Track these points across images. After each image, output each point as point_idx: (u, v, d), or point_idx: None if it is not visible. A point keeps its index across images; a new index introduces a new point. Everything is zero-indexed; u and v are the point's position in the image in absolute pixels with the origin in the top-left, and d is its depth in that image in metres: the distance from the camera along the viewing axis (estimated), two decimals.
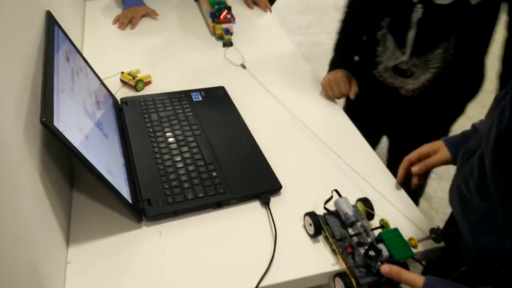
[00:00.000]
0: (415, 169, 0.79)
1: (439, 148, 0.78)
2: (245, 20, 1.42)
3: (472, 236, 0.61)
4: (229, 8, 1.29)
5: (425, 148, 0.80)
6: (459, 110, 1.11)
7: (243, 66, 1.16)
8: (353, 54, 1.13)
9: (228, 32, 1.28)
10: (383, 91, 1.07)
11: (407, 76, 1.02)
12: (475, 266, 0.63)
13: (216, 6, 1.28)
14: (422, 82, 1.00)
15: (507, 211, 0.54)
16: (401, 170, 0.82)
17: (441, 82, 0.99)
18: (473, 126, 0.76)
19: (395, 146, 1.23)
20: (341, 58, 1.13)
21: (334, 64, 1.12)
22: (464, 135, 0.77)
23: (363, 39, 1.10)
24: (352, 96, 1.06)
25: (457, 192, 0.65)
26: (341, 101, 1.15)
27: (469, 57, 0.98)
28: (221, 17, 1.28)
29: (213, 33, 1.31)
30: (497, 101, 0.59)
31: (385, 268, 0.60)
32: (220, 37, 1.30)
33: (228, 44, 1.28)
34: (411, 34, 0.95)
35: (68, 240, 0.70)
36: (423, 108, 1.06)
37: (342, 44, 1.14)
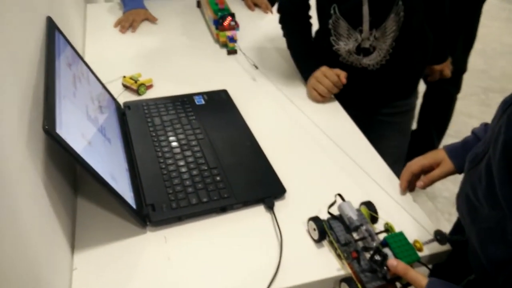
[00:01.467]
0: (420, 184, 0.79)
1: (441, 159, 0.77)
2: (247, 22, 1.41)
3: (481, 245, 0.60)
4: (232, 15, 1.26)
5: (427, 160, 0.78)
6: (419, 71, 1.20)
7: (255, 67, 1.16)
8: (315, 51, 1.15)
9: (232, 39, 1.25)
10: (353, 73, 1.09)
11: (370, 52, 1.07)
12: (484, 275, 0.62)
13: (220, 13, 1.26)
14: (385, 51, 1.06)
15: None
16: (403, 183, 0.81)
17: (400, 46, 1.05)
18: (473, 132, 0.76)
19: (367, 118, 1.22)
20: (311, 62, 1.12)
21: (309, 69, 1.11)
22: (465, 143, 0.76)
23: (315, 32, 1.17)
24: (344, 80, 1.05)
25: (465, 200, 0.64)
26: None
27: (417, 16, 1.04)
28: (225, 24, 1.26)
29: (217, 40, 1.30)
30: (504, 106, 0.58)
31: (393, 262, 0.60)
32: (224, 45, 1.28)
33: (232, 52, 1.26)
34: (365, 11, 1.01)
35: (74, 246, 0.70)
36: (390, 74, 1.12)
37: (301, 50, 1.17)
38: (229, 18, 1.25)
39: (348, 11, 1.03)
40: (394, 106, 1.19)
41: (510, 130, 0.53)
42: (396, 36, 1.04)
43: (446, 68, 1.29)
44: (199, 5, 1.52)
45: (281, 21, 1.19)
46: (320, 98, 1.07)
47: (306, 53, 1.16)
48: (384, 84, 1.13)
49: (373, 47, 1.06)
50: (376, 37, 1.04)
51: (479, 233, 0.60)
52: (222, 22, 1.25)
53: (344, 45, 1.08)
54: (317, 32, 1.18)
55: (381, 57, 1.07)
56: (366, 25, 1.02)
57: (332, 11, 1.05)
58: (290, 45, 1.19)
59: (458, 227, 0.79)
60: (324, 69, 1.07)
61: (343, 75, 1.05)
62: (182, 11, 1.49)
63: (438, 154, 0.77)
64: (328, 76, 1.06)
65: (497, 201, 0.56)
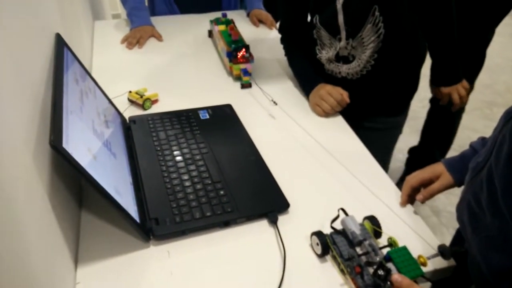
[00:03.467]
0: (419, 198, 0.79)
1: (440, 172, 0.77)
2: (252, 38, 1.43)
3: (483, 254, 0.60)
4: (247, 47, 1.20)
5: (426, 173, 0.79)
6: (412, 85, 1.19)
7: (274, 103, 1.08)
8: (314, 71, 1.17)
9: (246, 73, 1.19)
10: (334, 82, 1.10)
11: (350, 61, 1.09)
12: (485, 285, 0.62)
13: (233, 45, 1.20)
14: (365, 61, 1.07)
15: None
16: (404, 197, 0.82)
17: (383, 58, 1.06)
18: (471, 146, 0.76)
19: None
20: (311, 79, 1.15)
21: (310, 86, 1.13)
22: (463, 156, 0.76)
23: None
24: (347, 99, 1.07)
25: (467, 209, 0.64)
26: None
27: (399, 25, 1.03)
28: (239, 57, 1.19)
29: (230, 73, 1.24)
30: (507, 116, 0.59)
31: (397, 278, 0.59)
32: (237, 78, 1.22)
33: (247, 85, 1.19)
34: (341, 20, 1.03)
35: (77, 260, 0.71)
36: (371, 86, 1.12)
37: (301, 68, 1.20)
38: (243, 51, 1.19)
39: (326, 21, 1.07)
40: (375, 121, 1.19)
41: None
42: (378, 48, 1.04)
43: (455, 93, 1.15)
44: (210, 35, 1.47)
45: (282, 41, 1.24)
46: (323, 114, 1.09)
47: (306, 71, 1.18)
48: (365, 96, 1.13)
49: (353, 56, 1.08)
50: (353, 46, 1.06)
51: (481, 242, 0.60)
52: (236, 55, 1.19)
53: (326, 54, 1.12)
54: (306, 42, 1.19)
55: (361, 67, 1.09)
56: (343, 34, 1.05)
57: (314, 21, 1.09)
58: (291, 64, 1.23)
59: (457, 239, 0.79)
60: (329, 87, 1.08)
61: (346, 94, 1.07)
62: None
63: (437, 168, 0.78)
64: (333, 94, 1.07)
65: (499, 210, 0.55)
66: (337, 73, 1.13)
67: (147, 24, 1.45)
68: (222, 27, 1.31)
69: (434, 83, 1.18)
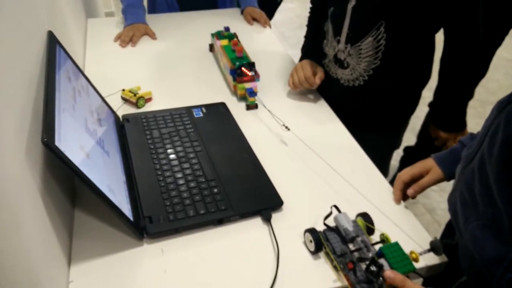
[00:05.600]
0: (410, 192, 0.80)
1: (430, 167, 0.78)
2: (245, 36, 1.43)
3: (476, 244, 0.61)
4: (252, 65, 1.11)
5: (416, 169, 0.80)
6: (409, 106, 1.14)
7: (286, 128, 0.98)
8: (316, 49, 1.17)
9: (252, 93, 1.08)
10: (329, 80, 1.12)
11: (345, 67, 1.07)
12: (477, 276, 0.63)
13: (238, 63, 1.11)
14: (358, 73, 1.05)
15: None
16: (397, 192, 0.83)
17: (378, 76, 1.03)
18: (460, 141, 0.77)
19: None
20: (305, 54, 1.19)
21: (300, 58, 1.18)
22: (453, 151, 0.77)
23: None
24: (317, 80, 1.09)
25: (459, 199, 0.65)
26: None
27: (402, 49, 1.00)
28: (244, 76, 1.10)
29: (234, 92, 1.14)
30: (500, 105, 0.59)
31: (390, 274, 0.60)
32: (242, 98, 1.12)
33: (252, 106, 1.09)
34: (346, 22, 1.01)
35: (70, 258, 0.70)
36: (362, 101, 1.10)
37: (305, 42, 1.22)
38: (248, 69, 1.10)
39: (335, 17, 1.06)
40: (365, 138, 1.04)
41: (509, 127, 0.54)
42: (376, 66, 1.02)
43: (452, 141, 1.04)
44: (212, 49, 1.36)
45: (310, 10, 1.23)
46: (292, 86, 1.12)
47: (306, 46, 1.21)
48: (356, 107, 1.12)
49: (347, 63, 1.06)
50: (350, 53, 1.04)
51: (473, 232, 0.61)
52: (240, 73, 1.10)
53: (327, 50, 1.12)
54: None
55: (353, 77, 1.07)
56: (343, 37, 1.04)
57: (329, 13, 1.08)
58: (305, 36, 1.24)
59: (447, 232, 0.80)
60: (305, 62, 1.11)
61: (319, 75, 1.09)
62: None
63: (426, 163, 0.79)
64: (304, 69, 1.10)
65: (492, 199, 0.56)
66: (334, 73, 1.12)
67: (141, 22, 1.44)
68: (224, 42, 1.22)
69: (434, 123, 1.08)
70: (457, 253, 0.68)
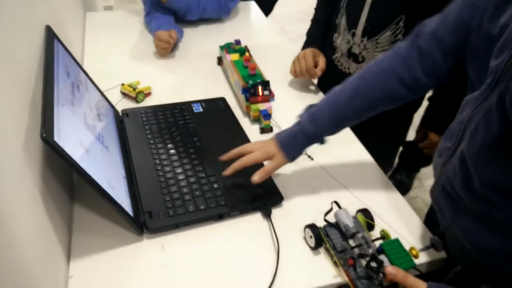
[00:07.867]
0: (255, 178, 0.76)
1: (273, 153, 0.78)
2: (245, 28, 1.42)
3: (469, 237, 0.61)
4: (266, 83, 1.01)
5: (261, 155, 0.78)
6: (416, 101, 1.13)
7: (310, 158, 0.92)
8: (322, 36, 1.16)
9: (267, 115, 0.98)
10: (339, 76, 1.06)
11: (359, 61, 1.06)
12: (473, 265, 0.63)
13: (251, 81, 1.01)
14: None
15: (507, 209, 0.54)
16: (229, 171, 0.78)
17: None
18: (300, 123, 0.78)
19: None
20: (309, 39, 1.18)
21: (305, 46, 1.16)
22: (294, 137, 0.78)
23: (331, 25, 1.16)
24: (318, 72, 1.08)
25: (442, 194, 0.65)
26: None
27: None
28: (258, 96, 1.01)
29: (246, 113, 1.04)
30: (475, 103, 0.58)
31: (391, 270, 0.60)
32: (256, 120, 1.02)
33: (267, 130, 0.98)
34: (364, 15, 1.00)
35: (70, 254, 0.70)
36: None
37: (311, 27, 1.20)
38: (262, 88, 1.00)
39: (350, 9, 1.04)
40: (372, 135, 1.03)
41: (489, 130, 0.53)
42: None
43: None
44: (220, 62, 1.24)
45: (317, 3, 1.21)
46: (293, 74, 1.12)
47: (311, 31, 1.20)
48: None
49: (363, 57, 1.06)
50: (366, 47, 1.03)
51: (463, 225, 0.61)
52: (254, 92, 1.00)
53: (339, 44, 1.10)
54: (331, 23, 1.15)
55: None
56: (359, 30, 1.02)
57: (341, 4, 1.07)
58: (313, 18, 1.22)
59: (428, 223, 0.79)
60: (308, 51, 1.10)
61: (320, 66, 1.08)
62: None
63: (269, 148, 0.78)
64: (306, 59, 1.09)
65: (475, 194, 0.56)
66: (346, 68, 1.10)
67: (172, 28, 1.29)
68: (235, 57, 1.13)
69: (425, 125, 1.12)
70: (446, 243, 0.68)
